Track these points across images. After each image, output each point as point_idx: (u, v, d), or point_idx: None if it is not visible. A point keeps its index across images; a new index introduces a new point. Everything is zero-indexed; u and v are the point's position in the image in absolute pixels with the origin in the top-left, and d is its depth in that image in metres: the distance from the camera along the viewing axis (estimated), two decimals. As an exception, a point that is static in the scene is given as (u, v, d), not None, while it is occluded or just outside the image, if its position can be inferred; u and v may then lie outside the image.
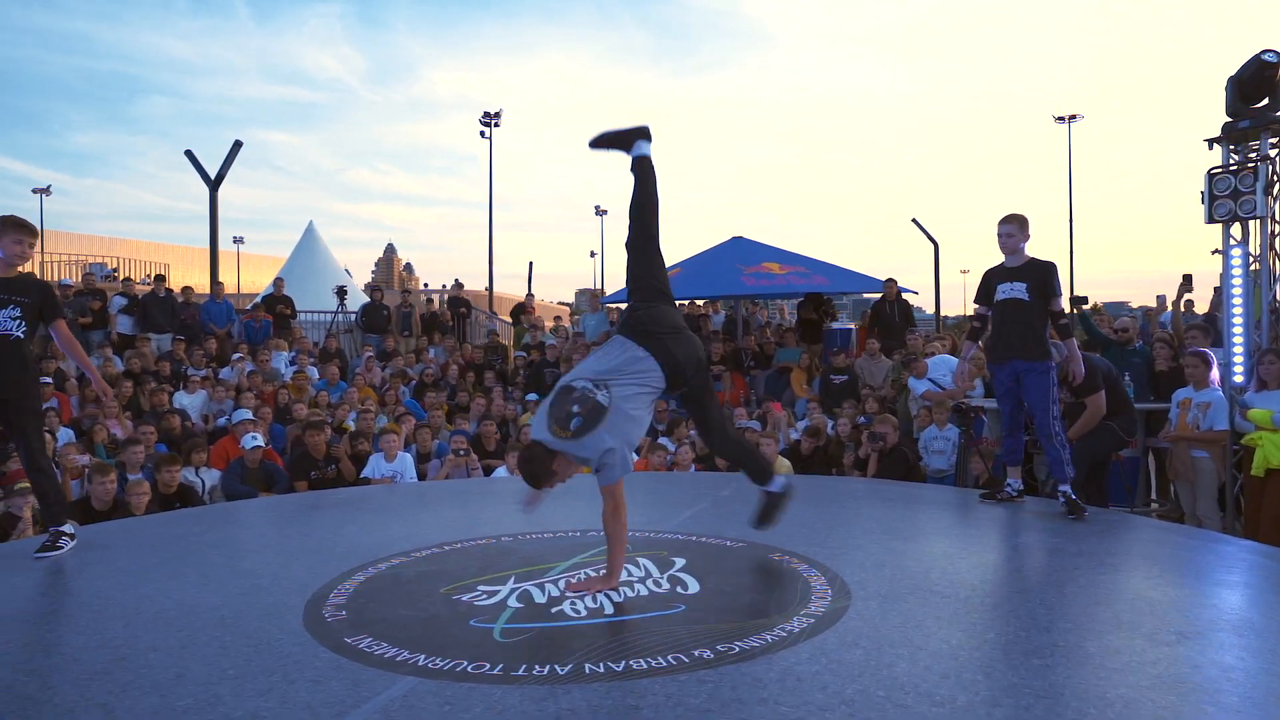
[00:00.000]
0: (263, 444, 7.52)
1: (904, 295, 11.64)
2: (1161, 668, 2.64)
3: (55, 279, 22.95)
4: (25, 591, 3.74)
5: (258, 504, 6.04)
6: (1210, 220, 6.59)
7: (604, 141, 3.99)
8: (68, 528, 4.44)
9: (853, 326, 11.64)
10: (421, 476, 7.85)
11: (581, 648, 2.84)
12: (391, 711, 2.39)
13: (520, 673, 2.63)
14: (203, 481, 7.33)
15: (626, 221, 3.88)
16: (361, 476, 7.43)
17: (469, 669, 2.67)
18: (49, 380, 9.92)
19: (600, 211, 44.08)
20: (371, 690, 2.53)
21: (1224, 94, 6.54)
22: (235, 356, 11.74)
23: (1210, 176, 6.55)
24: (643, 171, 3.88)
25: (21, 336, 4.37)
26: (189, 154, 13.51)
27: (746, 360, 12.00)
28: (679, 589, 3.52)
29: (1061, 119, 37.69)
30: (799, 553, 4.08)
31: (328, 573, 3.81)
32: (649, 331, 3.58)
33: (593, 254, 41.30)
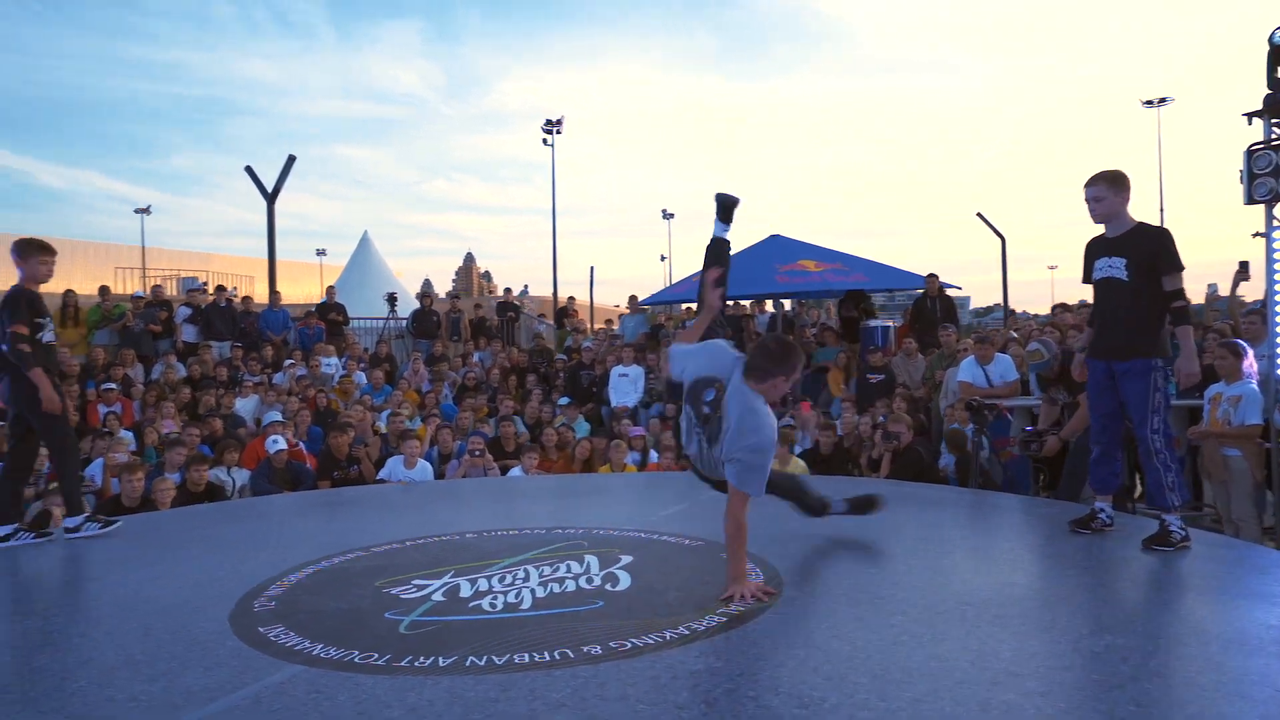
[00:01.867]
0: (285, 446, 7.79)
1: (947, 291, 11.26)
2: (1074, 673, 2.48)
3: (147, 291, 24.28)
4: (4, 582, 3.98)
5: (257, 501, 6.28)
6: (1250, 201, 6.16)
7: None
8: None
9: (890, 324, 11.31)
10: (443, 476, 8.00)
11: (476, 641, 2.85)
12: (262, 697, 2.45)
13: (403, 664, 2.66)
14: (233, 480, 7.64)
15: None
16: (379, 477, 7.62)
17: (356, 659, 2.71)
18: (114, 386, 10.53)
19: (667, 215, 44.15)
20: (254, 677, 2.59)
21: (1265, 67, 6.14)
22: (287, 362, 12.21)
23: (1250, 153, 6.13)
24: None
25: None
26: (249, 170, 14.13)
27: (785, 360, 11.80)
28: (608, 586, 3.49)
29: (1150, 103, 35.88)
30: (753, 553, 3.98)
31: (285, 565, 3.92)
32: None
33: (663, 258, 41.25)
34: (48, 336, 4.77)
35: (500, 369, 12.69)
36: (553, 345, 15.15)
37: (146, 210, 38.33)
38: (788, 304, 14.54)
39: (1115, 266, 4.11)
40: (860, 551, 4.03)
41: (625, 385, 11.15)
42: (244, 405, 10.82)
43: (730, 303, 15.16)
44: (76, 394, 10.21)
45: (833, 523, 4.36)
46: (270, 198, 14.14)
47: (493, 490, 6.29)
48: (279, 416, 8.84)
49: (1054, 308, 9.65)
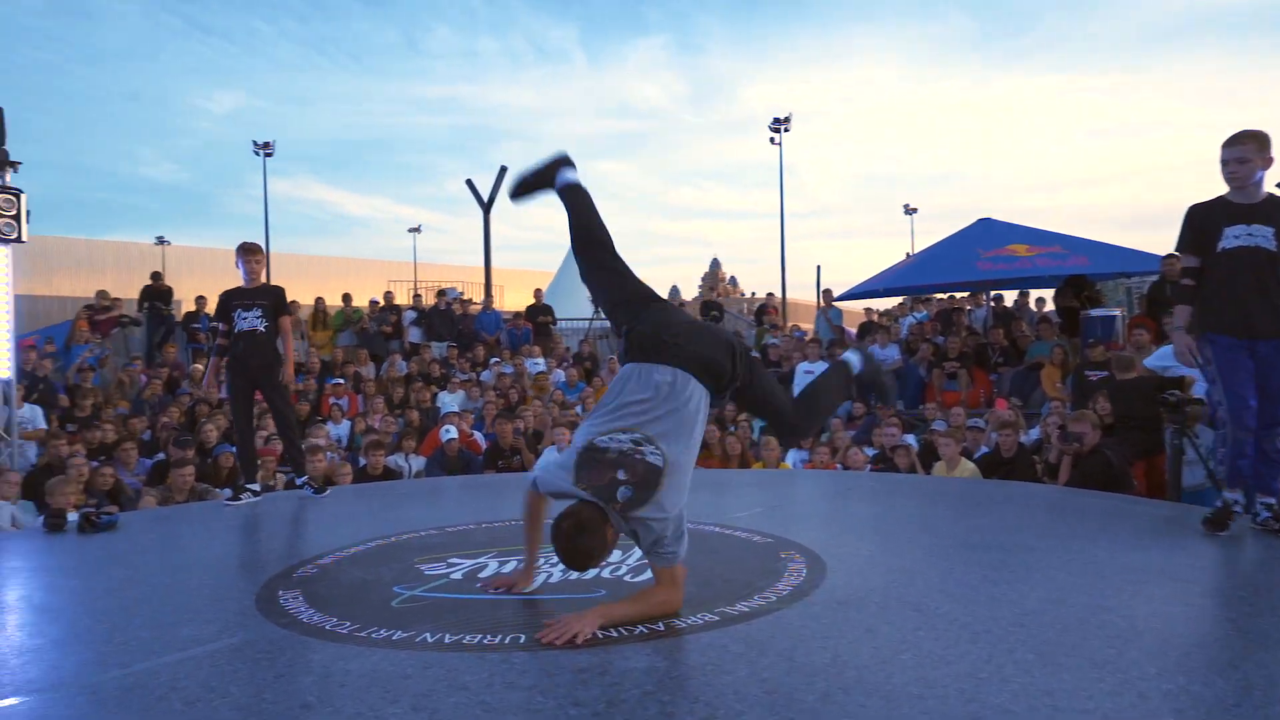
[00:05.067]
0: (456, 436, 8.28)
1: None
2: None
3: (427, 301, 27.07)
4: (155, 534, 4.52)
5: (398, 484, 6.70)
6: None
7: (525, 187, 3.34)
8: (256, 486, 5.56)
9: (1117, 313, 9.78)
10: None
11: (448, 618, 2.78)
12: (220, 651, 2.54)
13: (361, 634, 2.65)
14: (409, 466, 8.25)
15: (576, 258, 3.31)
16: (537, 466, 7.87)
17: (328, 626, 2.75)
18: (341, 380, 11.82)
19: (909, 211, 41.75)
20: (232, 633, 2.71)
21: None
22: (493, 360, 13.03)
23: None
24: (572, 201, 3.26)
25: (264, 331, 5.49)
26: (469, 183, 15.31)
27: (994, 356, 10.68)
28: (629, 577, 3.28)
29: None
30: (814, 551, 3.57)
31: (356, 539, 4.10)
32: (661, 342, 2.84)
33: (908, 255, 39.18)
34: (240, 325, 5.46)
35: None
36: (751, 344, 14.89)
37: (418, 229, 42.84)
38: (1010, 297, 13.15)
39: (1259, 235, 3.75)
40: (939, 555, 3.46)
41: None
42: (452, 399, 11.68)
43: (941, 295, 13.99)
44: (315, 387, 11.61)
45: (921, 520, 3.80)
46: (486, 208, 15.18)
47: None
48: (454, 409, 9.41)
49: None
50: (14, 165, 8.02)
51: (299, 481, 5.69)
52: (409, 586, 3.20)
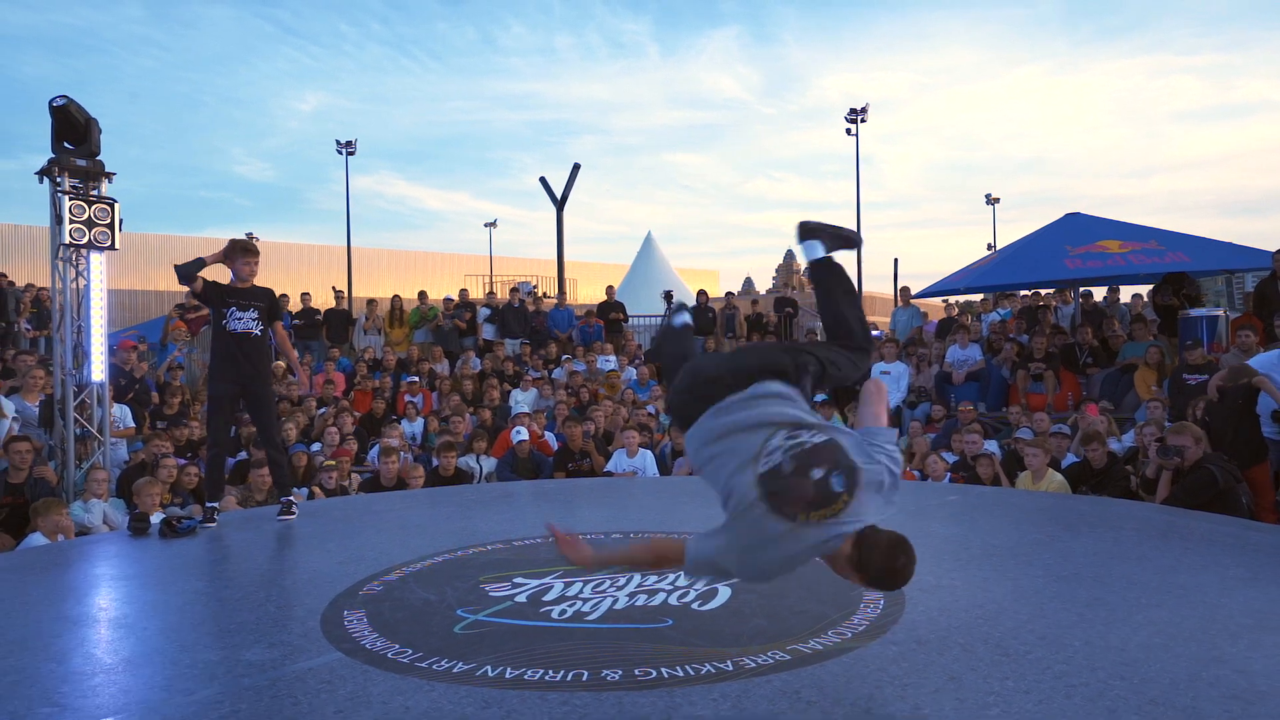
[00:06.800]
0: (527, 437, 8.28)
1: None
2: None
3: (501, 297, 27.27)
4: (238, 550, 4.61)
5: (466, 489, 6.73)
6: None
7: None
8: (291, 497, 5.30)
9: (1220, 313, 9.16)
10: (669, 472, 8.00)
11: (511, 649, 2.72)
12: (281, 679, 2.53)
13: (423, 665, 2.61)
14: (480, 467, 8.29)
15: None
16: (607, 469, 7.80)
17: (389, 654, 2.72)
18: (416, 379, 12.00)
19: (991, 200, 40.30)
20: (294, 660, 2.70)
21: None
22: (564, 358, 13.05)
23: None
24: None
25: (258, 335, 5.16)
26: (542, 180, 15.34)
27: (1082, 356, 10.16)
28: (696, 604, 3.16)
29: None
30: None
31: (424, 552, 4.09)
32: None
33: (990, 246, 37.95)
34: (234, 325, 5.07)
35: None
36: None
37: (494, 224, 43.36)
38: (1099, 293, 12.51)
39: None
40: (1027, 588, 3.23)
41: (885, 383, 10.33)
42: (524, 398, 11.73)
43: (1026, 292, 13.39)
44: (390, 385, 11.81)
45: (1007, 545, 3.57)
46: (559, 204, 15.21)
47: (691, 490, 6.10)
48: (526, 409, 9.43)
49: None
50: (109, 176, 8.33)
51: (283, 500, 5.21)
52: (472, 610, 3.16)
